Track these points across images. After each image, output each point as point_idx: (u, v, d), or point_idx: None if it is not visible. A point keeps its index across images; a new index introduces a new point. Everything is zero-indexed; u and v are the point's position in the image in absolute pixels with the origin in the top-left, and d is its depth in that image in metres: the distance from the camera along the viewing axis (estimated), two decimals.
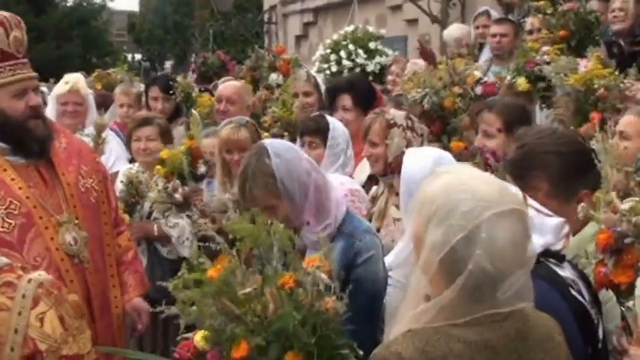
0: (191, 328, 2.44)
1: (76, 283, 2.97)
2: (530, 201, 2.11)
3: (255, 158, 2.63)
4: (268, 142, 2.79)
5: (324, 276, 2.06)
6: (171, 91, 5.57)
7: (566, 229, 2.22)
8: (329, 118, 4.20)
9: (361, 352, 2.06)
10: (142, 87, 5.87)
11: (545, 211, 2.18)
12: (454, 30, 7.04)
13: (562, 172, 2.44)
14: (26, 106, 2.94)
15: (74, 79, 5.19)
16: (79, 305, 2.80)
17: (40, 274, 2.73)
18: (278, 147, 2.67)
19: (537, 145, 2.45)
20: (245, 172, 2.63)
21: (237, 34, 17.37)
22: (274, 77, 6.17)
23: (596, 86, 3.99)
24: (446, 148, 3.79)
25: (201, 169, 4.44)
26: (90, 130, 4.49)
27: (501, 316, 1.65)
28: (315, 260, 2.10)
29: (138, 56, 30.61)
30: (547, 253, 2.12)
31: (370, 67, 7.20)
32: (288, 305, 2.03)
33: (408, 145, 3.43)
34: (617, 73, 4.12)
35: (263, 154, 2.61)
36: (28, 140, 2.97)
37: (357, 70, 7.14)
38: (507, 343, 1.65)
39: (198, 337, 2.32)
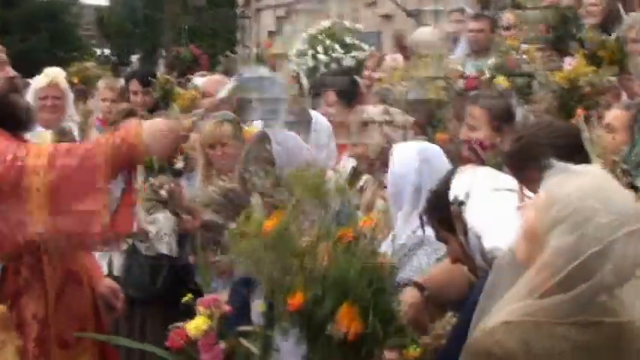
0: (181, 319, 2.44)
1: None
2: (529, 193, 2.15)
3: (257, 145, 2.64)
4: (270, 130, 2.80)
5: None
6: (149, 86, 5.53)
7: None
8: (312, 112, 4.22)
9: None
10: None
11: None
12: (424, 33, 7.04)
13: None
14: (5, 79, 2.86)
15: (54, 73, 5.12)
16: (4, 317, 2.66)
17: None
18: (279, 135, 2.68)
19: (533, 137, 2.48)
20: (246, 158, 2.64)
21: (207, 27, 17.28)
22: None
23: (581, 84, 4.04)
24: (430, 140, 3.82)
25: (179, 164, 4.40)
26: (76, 118, 4.43)
27: (606, 322, 1.63)
28: (371, 220, 2.09)
29: (107, 51, 30.21)
30: None
31: (347, 62, 7.20)
32: (346, 257, 2.00)
33: (388, 140, 3.45)
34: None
35: (264, 141, 2.62)
36: (17, 113, 2.84)
37: (334, 64, 7.14)
38: (608, 345, 1.62)
39: (191, 327, 2.33)
